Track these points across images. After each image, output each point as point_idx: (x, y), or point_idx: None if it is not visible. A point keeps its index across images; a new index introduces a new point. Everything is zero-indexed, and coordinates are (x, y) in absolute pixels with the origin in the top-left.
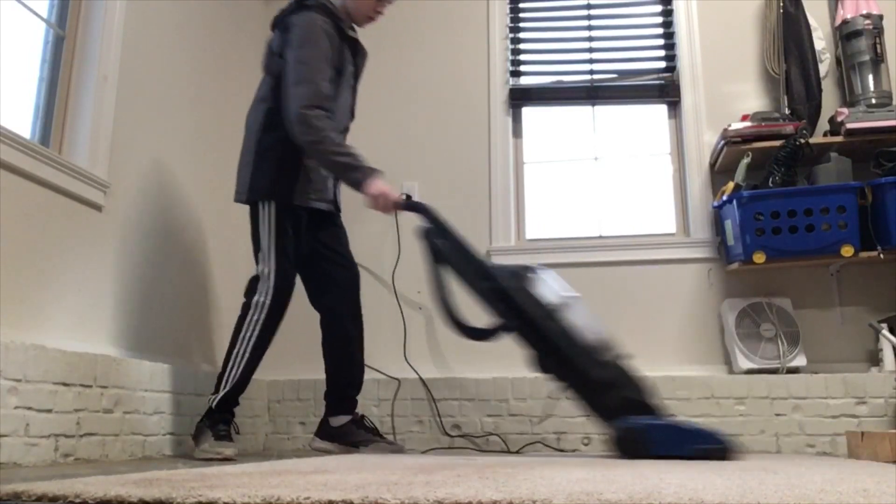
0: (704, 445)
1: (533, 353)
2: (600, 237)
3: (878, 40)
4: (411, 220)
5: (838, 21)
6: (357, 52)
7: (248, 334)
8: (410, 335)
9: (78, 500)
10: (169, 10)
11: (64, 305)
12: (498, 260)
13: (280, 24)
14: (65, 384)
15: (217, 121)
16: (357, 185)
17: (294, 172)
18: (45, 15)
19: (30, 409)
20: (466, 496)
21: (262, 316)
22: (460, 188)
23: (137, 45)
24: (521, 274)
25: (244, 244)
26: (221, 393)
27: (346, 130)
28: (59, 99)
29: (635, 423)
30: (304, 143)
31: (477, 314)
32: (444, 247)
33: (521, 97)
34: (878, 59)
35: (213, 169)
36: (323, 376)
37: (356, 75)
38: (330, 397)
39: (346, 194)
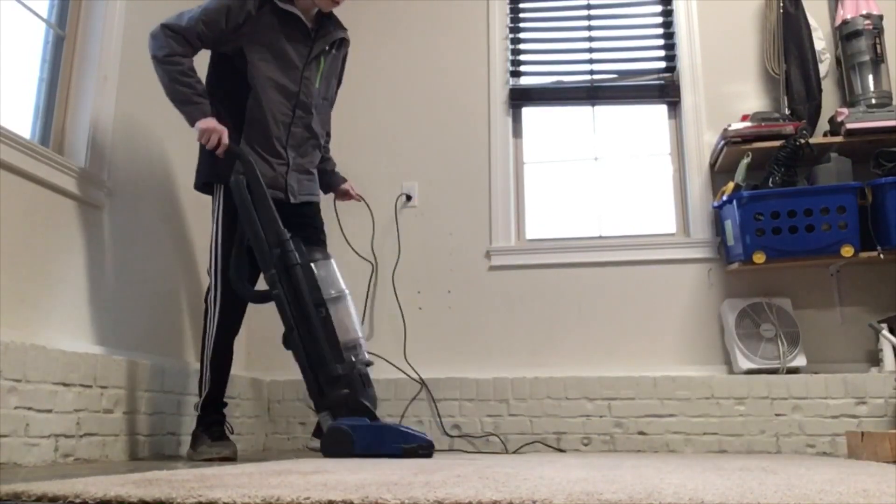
0: (406, 444)
1: (286, 326)
2: (600, 237)
3: (877, 40)
4: (412, 222)
5: (838, 21)
6: (319, 37)
7: (209, 333)
8: (410, 335)
9: (78, 501)
10: (169, 10)
11: (64, 305)
12: (498, 260)
13: None
14: (65, 384)
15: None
16: (191, 116)
17: (230, 156)
18: (45, 15)
19: (30, 409)
20: (466, 496)
21: (216, 313)
22: (460, 188)
23: (137, 45)
24: (308, 254)
25: None
26: (202, 396)
27: (290, 114)
28: (59, 99)
29: (342, 424)
30: (153, 58)
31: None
32: (245, 204)
33: (521, 97)
34: (877, 60)
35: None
36: None
37: (316, 59)
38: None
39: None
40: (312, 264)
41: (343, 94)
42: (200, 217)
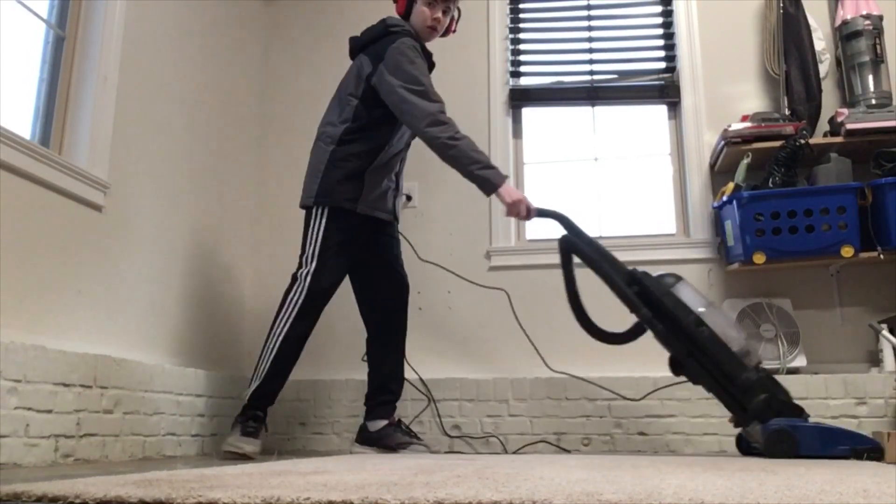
0: (852, 445)
1: (674, 354)
2: (600, 238)
3: (877, 41)
4: (412, 222)
5: (838, 21)
6: (431, 68)
7: (279, 330)
8: (410, 336)
9: (78, 501)
10: (169, 10)
11: (64, 306)
12: (498, 260)
13: (366, 50)
14: (65, 384)
15: (217, 121)
16: (490, 183)
17: (360, 183)
18: (45, 15)
19: (30, 409)
20: (466, 497)
21: (293, 314)
22: (460, 188)
23: (137, 46)
24: (666, 281)
25: (244, 244)
26: (252, 387)
27: (408, 145)
28: (59, 99)
29: (784, 425)
30: (443, 140)
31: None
32: (587, 253)
33: (521, 98)
34: (877, 60)
35: (213, 169)
36: (322, 378)
37: None
38: (368, 402)
39: None
40: (671, 290)
41: None
42: (200, 217)
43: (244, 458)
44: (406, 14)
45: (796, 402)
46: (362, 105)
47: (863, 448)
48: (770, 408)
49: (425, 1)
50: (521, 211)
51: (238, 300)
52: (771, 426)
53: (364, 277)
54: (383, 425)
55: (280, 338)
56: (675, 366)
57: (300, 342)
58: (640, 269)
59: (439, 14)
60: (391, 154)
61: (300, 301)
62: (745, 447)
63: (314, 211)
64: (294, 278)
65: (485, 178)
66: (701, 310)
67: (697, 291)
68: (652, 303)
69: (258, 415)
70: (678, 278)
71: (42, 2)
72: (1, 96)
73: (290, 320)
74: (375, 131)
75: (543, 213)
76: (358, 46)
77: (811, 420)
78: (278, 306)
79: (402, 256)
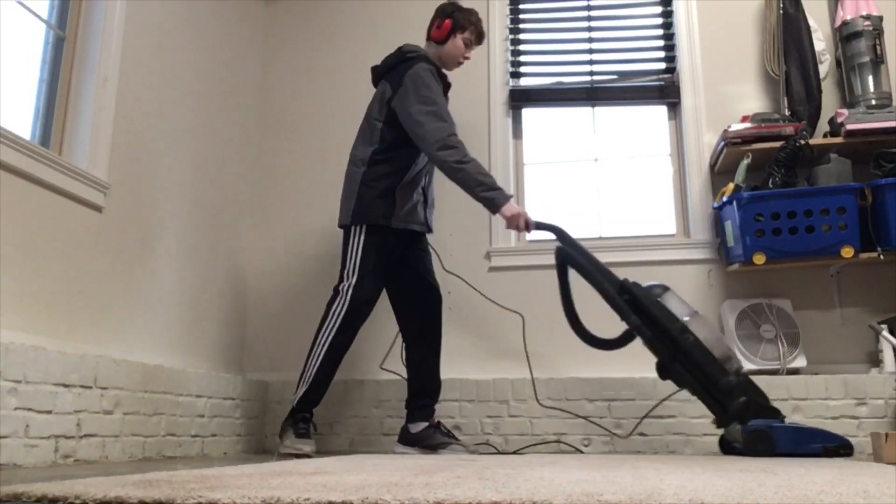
0: (827, 444)
1: (661, 359)
2: (600, 238)
3: (877, 41)
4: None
5: (838, 22)
6: (447, 90)
7: (324, 339)
8: None
9: (78, 502)
10: (169, 11)
11: (63, 306)
12: (498, 261)
13: (387, 76)
14: (65, 385)
15: (217, 121)
16: (494, 203)
17: (391, 200)
18: (45, 16)
19: (30, 410)
20: (466, 497)
21: (336, 325)
22: (460, 189)
23: (137, 46)
24: (654, 290)
25: (244, 244)
26: (300, 392)
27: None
28: (59, 100)
29: (762, 425)
30: (452, 163)
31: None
32: (581, 263)
33: (521, 98)
34: (877, 61)
35: (213, 169)
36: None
37: None
38: (409, 406)
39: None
40: (659, 299)
41: (343, 94)
42: (200, 217)
43: (304, 457)
44: (443, 41)
45: (803, 401)
46: (387, 127)
47: (834, 445)
48: (748, 409)
49: (465, 39)
50: (521, 224)
51: (239, 301)
52: (749, 427)
53: (400, 290)
54: (424, 427)
55: (325, 347)
56: (662, 370)
57: (342, 351)
58: (640, 269)
59: (469, 54)
60: (418, 170)
61: (343, 313)
62: (727, 447)
63: (352, 230)
64: (336, 292)
65: (489, 199)
66: (686, 318)
67: (683, 301)
68: (641, 311)
69: (306, 416)
70: (665, 288)
71: (42, 2)
72: (1, 97)
73: (334, 330)
74: (401, 151)
75: (541, 226)
76: (379, 73)
77: (787, 421)
78: (321, 318)
79: (433, 268)
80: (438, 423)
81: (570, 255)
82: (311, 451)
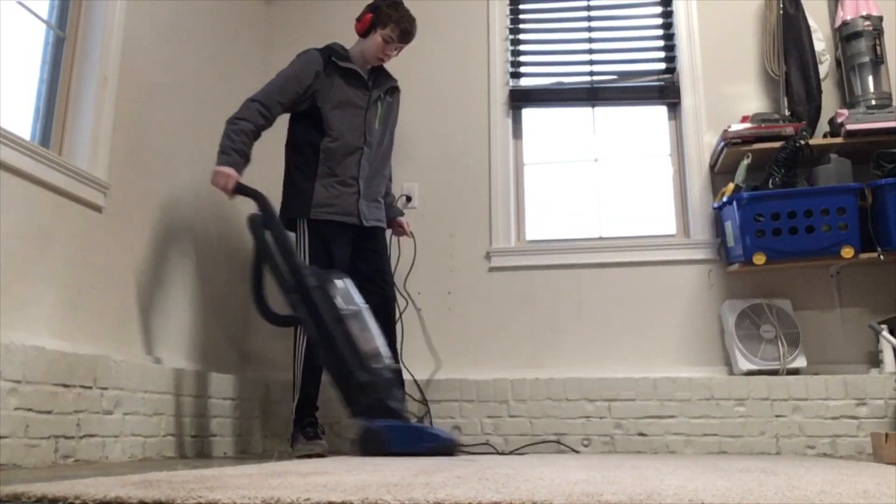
0: (433, 443)
1: (311, 339)
2: (600, 238)
3: (877, 41)
4: (412, 223)
5: (838, 22)
6: (375, 86)
7: (300, 345)
8: (410, 336)
9: (78, 502)
10: (169, 11)
11: (64, 307)
12: (498, 261)
13: None
14: (65, 385)
15: (217, 121)
16: (218, 162)
17: (307, 190)
18: (45, 16)
19: (30, 410)
20: (466, 497)
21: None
22: (460, 189)
23: (137, 46)
24: (324, 277)
25: (244, 245)
26: (295, 401)
27: (359, 150)
28: (59, 100)
29: (375, 425)
30: (227, 121)
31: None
32: (270, 237)
33: (521, 98)
34: (877, 61)
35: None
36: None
37: (374, 104)
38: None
39: None
40: (328, 285)
41: None
42: (200, 218)
43: (318, 455)
44: (363, 35)
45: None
46: (293, 116)
47: (442, 444)
48: (372, 409)
49: (385, 36)
50: (220, 181)
51: (239, 301)
52: (366, 425)
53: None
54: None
55: (304, 351)
56: (311, 352)
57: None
58: (641, 269)
59: (393, 53)
60: (341, 156)
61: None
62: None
63: (297, 224)
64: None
65: (218, 154)
66: (345, 309)
67: (353, 295)
68: (305, 295)
69: (311, 420)
70: (341, 277)
71: (42, 2)
72: (1, 97)
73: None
74: (310, 139)
75: (244, 191)
76: None
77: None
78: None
79: (385, 268)
80: None
81: (267, 224)
82: (321, 449)
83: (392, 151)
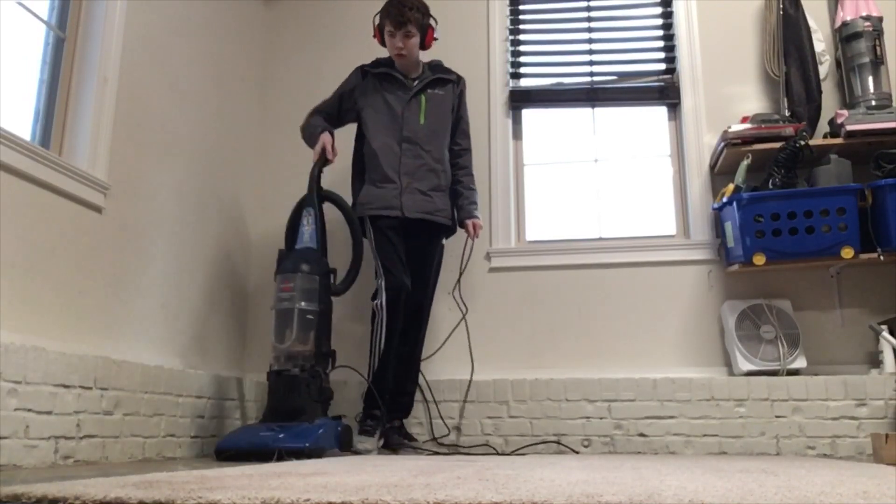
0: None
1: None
2: (600, 239)
3: (877, 42)
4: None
5: (838, 23)
6: (419, 82)
7: (378, 334)
8: None
9: (78, 502)
10: (169, 11)
11: (64, 307)
12: (498, 262)
13: None
14: (65, 386)
15: (217, 121)
16: (312, 140)
17: (357, 191)
18: (45, 17)
19: (30, 410)
20: (466, 498)
21: (384, 316)
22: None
23: (137, 46)
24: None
25: (244, 245)
26: (370, 378)
27: (398, 147)
28: (59, 101)
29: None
30: (300, 129)
31: None
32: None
33: (521, 99)
34: (877, 61)
35: (214, 169)
36: None
37: (416, 99)
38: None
39: None
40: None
41: None
42: (200, 218)
43: (356, 454)
44: (382, 42)
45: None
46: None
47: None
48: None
49: (387, 31)
50: (318, 147)
51: (240, 302)
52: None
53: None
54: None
55: (381, 339)
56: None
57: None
58: (641, 270)
59: (400, 43)
60: (380, 156)
61: (384, 303)
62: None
63: (363, 223)
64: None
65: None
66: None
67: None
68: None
69: (374, 413)
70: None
71: (42, 3)
72: (1, 97)
73: (384, 321)
74: (358, 146)
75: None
76: None
77: None
78: (371, 315)
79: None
80: (400, 425)
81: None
82: (363, 448)
83: (449, 140)
